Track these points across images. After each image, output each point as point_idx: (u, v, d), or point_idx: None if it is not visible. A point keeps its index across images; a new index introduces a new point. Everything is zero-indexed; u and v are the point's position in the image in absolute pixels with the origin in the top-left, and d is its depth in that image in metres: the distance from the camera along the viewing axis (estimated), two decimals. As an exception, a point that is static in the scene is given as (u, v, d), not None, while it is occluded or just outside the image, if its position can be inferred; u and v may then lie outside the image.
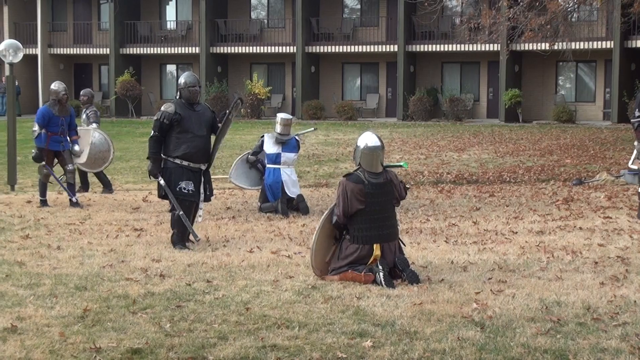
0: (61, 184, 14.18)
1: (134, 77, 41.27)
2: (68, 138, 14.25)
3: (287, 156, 13.54)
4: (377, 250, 8.24)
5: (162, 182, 10.15)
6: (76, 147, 14.42)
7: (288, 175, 13.47)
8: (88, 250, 9.81)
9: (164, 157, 10.19)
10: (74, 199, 14.00)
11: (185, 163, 10.13)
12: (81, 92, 16.96)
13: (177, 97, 10.39)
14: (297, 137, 13.86)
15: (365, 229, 8.27)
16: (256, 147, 13.96)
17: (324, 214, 8.57)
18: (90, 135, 15.38)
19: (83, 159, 15.09)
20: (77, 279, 8.21)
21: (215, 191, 13.12)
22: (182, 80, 10.40)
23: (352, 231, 8.35)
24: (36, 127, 13.97)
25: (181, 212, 10.05)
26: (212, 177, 10.99)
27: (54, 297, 7.47)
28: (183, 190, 10.14)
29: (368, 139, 8.42)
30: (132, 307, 7.14)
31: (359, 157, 8.39)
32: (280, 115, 13.78)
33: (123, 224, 12.00)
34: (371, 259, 8.21)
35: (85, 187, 16.39)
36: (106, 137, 15.90)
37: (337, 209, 8.32)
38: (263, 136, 13.84)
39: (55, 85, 14.38)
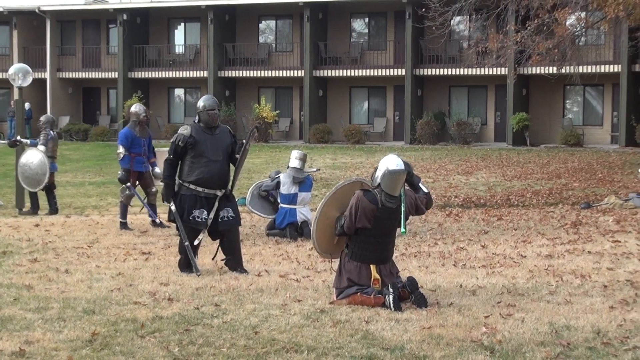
0: (145, 205, 14.26)
1: (142, 100, 41.27)
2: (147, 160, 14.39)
3: (303, 196, 13.53)
4: (374, 271, 8.23)
5: (173, 208, 9.96)
6: (157, 170, 14.45)
7: (304, 214, 13.41)
8: (96, 274, 9.80)
9: (179, 181, 9.99)
10: (157, 220, 14.21)
11: (199, 189, 9.88)
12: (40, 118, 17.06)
13: (196, 121, 10.08)
14: (311, 177, 13.85)
15: (365, 249, 8.25)
16: (269, 185, 13.70)
17: (322, 202, 8.49)
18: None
19: None
20: (85, 303, 8.20)
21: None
22: (200, 103, 10.08)
23: (351, 246, 8.33)
24: (121, 149, 14.04)
25: (187, 243, 9.86)
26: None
27: (62, 321, 7.46)
28: (197, 219, 9.91)
29: (392, 161, 8.23)
30: (140, 331, 7.12)
31: (381, 179, 8.23)
32: (295, 152, 13.76)
33: (131, 247, 12.00)
34: (372, 281, 8.20)
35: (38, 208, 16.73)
36: (45, 163, 15.92)
37: (345, 219, 8.28)
38: (278, 176, 13.73)
39: (135, 108, 14.50)
